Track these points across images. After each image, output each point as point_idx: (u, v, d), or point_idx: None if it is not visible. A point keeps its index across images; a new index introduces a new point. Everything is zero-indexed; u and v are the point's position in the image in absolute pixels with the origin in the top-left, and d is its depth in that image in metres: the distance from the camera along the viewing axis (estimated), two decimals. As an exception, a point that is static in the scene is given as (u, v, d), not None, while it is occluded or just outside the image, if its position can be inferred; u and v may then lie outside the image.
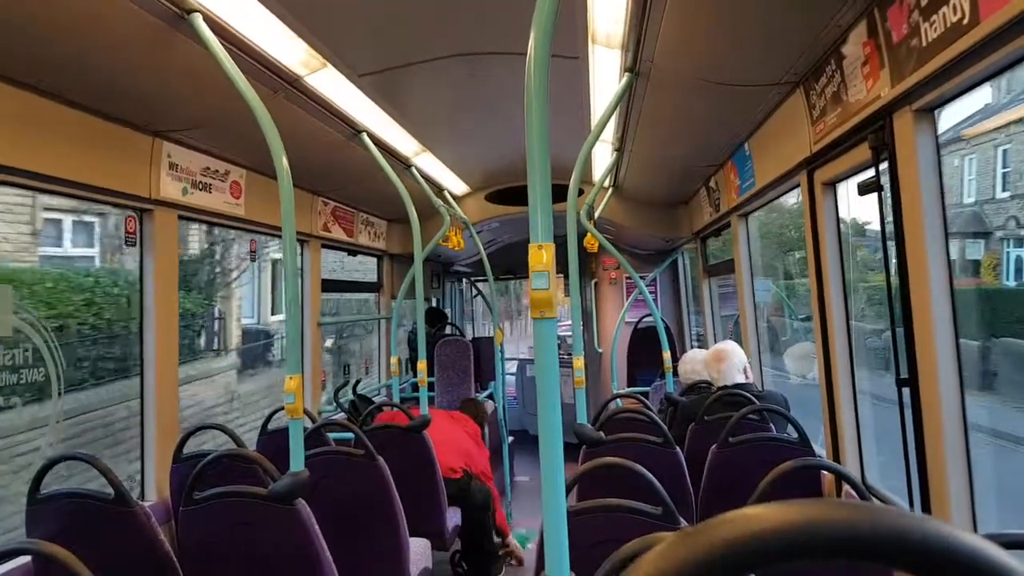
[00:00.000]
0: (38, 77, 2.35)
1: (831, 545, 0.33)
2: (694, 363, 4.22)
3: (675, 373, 4.45)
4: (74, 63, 2.29)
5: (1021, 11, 1.38)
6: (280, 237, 2.39)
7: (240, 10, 2.23)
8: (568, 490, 1.83)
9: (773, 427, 3.15)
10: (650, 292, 5.98)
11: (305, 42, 2.50)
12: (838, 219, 2.82)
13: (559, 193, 2.71)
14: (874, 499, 2.49)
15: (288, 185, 2.34)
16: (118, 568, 2.21)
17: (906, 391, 2.12)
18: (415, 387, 3.86)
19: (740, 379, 3.46)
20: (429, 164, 4.66)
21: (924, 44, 1.76)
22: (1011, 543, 1.19)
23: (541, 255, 1.35)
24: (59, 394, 5.29)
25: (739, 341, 4.04)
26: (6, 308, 3.25)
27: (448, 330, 7.91)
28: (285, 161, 2.33)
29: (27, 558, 2.24)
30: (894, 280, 2.19)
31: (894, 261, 2.15)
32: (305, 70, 2.73)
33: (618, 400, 4.52)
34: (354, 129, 3.51)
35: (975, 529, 1.94)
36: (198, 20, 2.15)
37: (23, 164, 2.39)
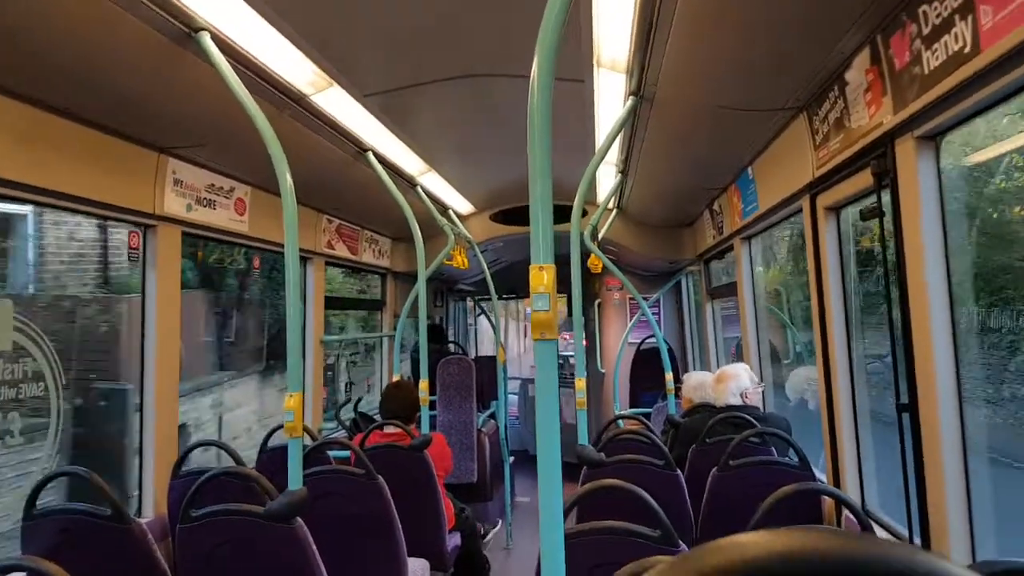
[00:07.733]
0: (45, 93, 2.37)
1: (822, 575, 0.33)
2: (698, 384, 4.20)
3: (677, 394, 4.44)
4: (81, 80, 2.31)
5: (1021, 42, 1.40)
6: (283, 254, 2.39)
7: (247, 29, 2.24)
8: (567, 512, 1.81)
9: (774, 450, 3.13)
10: (653, 313, 5.96)
11: (312, 61, 2.51)
12: (840, 244, 2.82)
13: (564, 214, 2.73)
14: (873, 525, 2.47)
15: (292, 202, 2.34)
16: None
17: (906, 416, 2.11)
18: None
19: (735, 402, 3.43)
20: (434, 183, 4.68)
21: (926, 72, 1.78)
22: (1006, 572, 1.18)
23: (542, 276, 1.34)
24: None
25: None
26: (6, 323, 3.26)
27: (451, 348, 7.88)
28: (289, 178, 2.33)
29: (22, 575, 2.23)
30: (895, 306, 2.18)
31: (895, 287, 2.15)
32: (311, 89, 2.75)
33: (620, 421, 4.49)
34: (359, 148, 3.53)
35: (973, 555, 1.93)
36: (205, 38, 2.17)
37: (29, 179, 2.40)
